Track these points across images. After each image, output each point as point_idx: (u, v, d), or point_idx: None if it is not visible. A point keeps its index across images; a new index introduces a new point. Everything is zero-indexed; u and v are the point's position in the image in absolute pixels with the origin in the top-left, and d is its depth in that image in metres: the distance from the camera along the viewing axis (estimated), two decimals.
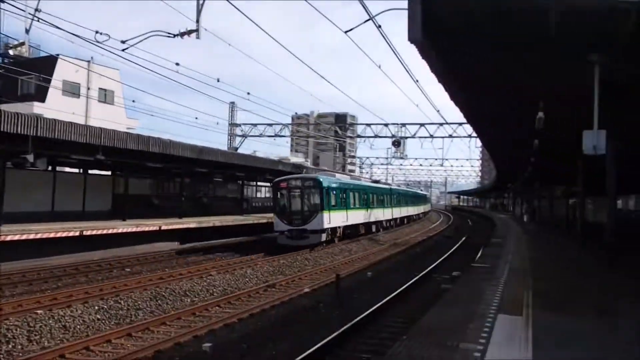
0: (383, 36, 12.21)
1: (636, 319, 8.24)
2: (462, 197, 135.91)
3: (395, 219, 42.04)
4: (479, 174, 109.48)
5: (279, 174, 35.27)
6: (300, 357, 8.37)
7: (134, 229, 21.46)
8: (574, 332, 7.17)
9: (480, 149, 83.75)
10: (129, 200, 25.62)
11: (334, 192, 26.34)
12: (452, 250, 25.99)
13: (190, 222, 25.47)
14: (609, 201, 15.53)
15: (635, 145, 15.39)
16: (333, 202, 25.80)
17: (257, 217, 33.18)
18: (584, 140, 9.35)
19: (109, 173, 30.43)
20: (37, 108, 33.91)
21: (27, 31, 16.90)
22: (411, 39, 8.11)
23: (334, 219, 25.59)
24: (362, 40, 16.13)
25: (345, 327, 10.15)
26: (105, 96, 41.04)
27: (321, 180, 25.26)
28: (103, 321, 11.10)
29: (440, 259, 21.71)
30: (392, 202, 41.08)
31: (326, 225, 24.56)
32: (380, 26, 11.94)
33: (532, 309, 8.22)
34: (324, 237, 24.73)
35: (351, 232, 29.25)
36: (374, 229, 33.86)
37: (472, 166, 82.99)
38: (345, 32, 13.42)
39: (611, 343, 6.74)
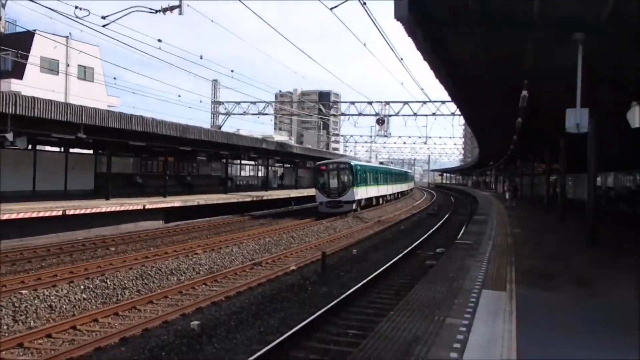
0: (368, 13, 12.10)
1: (614, 290, 8.50)
2: (445, 174, 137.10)
3: (394, 194, 50.10)
4: (462, 152, 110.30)
5: (262, 152, 35.72)
6: (288, 334, 8.49)
7: (118, 208, 21.31)
8: (556, 304, 7.36)
9: (463, 127, 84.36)
10: (112, 179, 25.37)
11: (359, 172, 33.68)
12: (436, 227, 26.31)
13: (175, 201, 25.37)
14: (589, 179, 15.71)
15: (616, 123, 15.61)
16: (359, 180, 33.02)
17: (242, 195, 33.15)
18: (567, 118, 9.44)
19: (91, 152, 30.06)
20: (15, 85, 33.24)
21: (3, 6, 16.48)
22: (397, 17, 8.10)
23: (360, 192, 33.22)
24: (347, 18, 16.00)
25: (332, 304, 10.28)
26: (85, 73, 40.28)
27: (352, 163, 33.38)
28: (89, 300, 11.09)
29: (424, 236, 21.98)
30: (392, 180, 49.57)
31: (356, 197, 32.31)
32: (365, 3, 11.84)
33: (516, 285, 8.39)
34: (354, 206, 32.18)
35: (368, 203, 36.44)
36: (380, 202, 41.14)
37: (455, 144, 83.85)
38: (331, 8, 13.32)
39: (589, 312, 6.94)
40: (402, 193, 59.23)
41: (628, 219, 24.37)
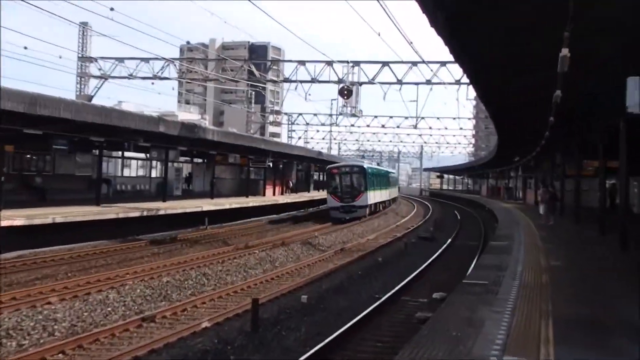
0: None
1: None
2: (446, 176, 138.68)
3: (391, 199, 68.30)
4: (472, 141, 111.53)
5: (159, 139, 35.30)
6: None
7: None
8: None
9: (474, 102, 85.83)
10: None
11: (371, 176, 49.77)
12: (433, 258, 26.61)
13: (15, 217, 24.74)
14: None
15: None
16: (371, 184, 48.96)
17: (124, 208, 32.64)
18: (628, 91, 9.70)
19: None
20: None
21: None
22: None
23: (371, 197, 49.28)
24: None
25: None
26: None
27: (365, 167, 50.84)
28: None
29: (415, 273, 22.18)
30: (392, 184, 68.26)
31: (369, 202, 48.55)
32: None
33: (555, 347, 8.55)
34: (367, 211, 48.24)
35: (375, 209, 52.50)
36: (381, 208, 58.08)
37: (461, 129, 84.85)
38: None
39: None
40: (395, 199, 75.32)
41: None
